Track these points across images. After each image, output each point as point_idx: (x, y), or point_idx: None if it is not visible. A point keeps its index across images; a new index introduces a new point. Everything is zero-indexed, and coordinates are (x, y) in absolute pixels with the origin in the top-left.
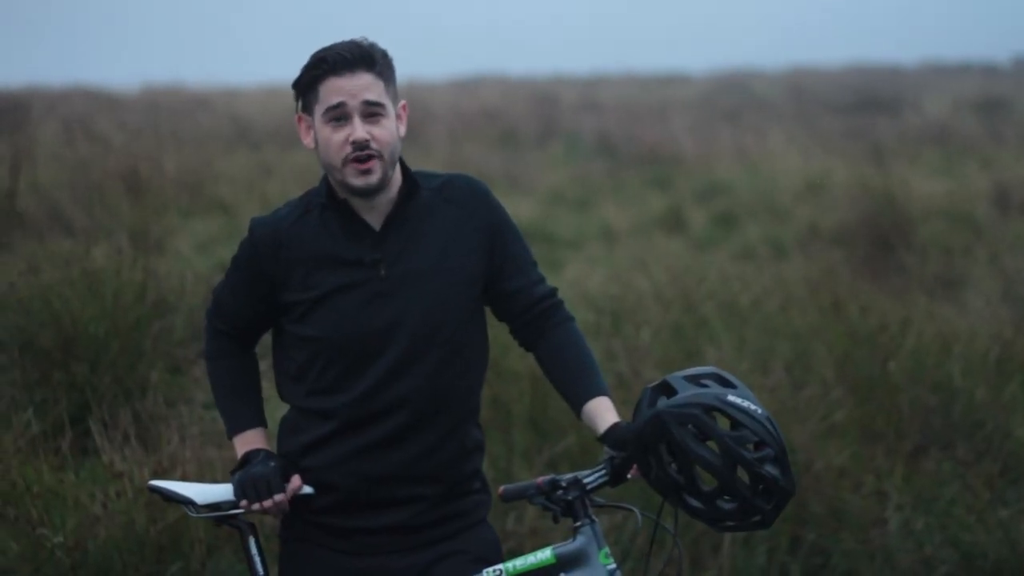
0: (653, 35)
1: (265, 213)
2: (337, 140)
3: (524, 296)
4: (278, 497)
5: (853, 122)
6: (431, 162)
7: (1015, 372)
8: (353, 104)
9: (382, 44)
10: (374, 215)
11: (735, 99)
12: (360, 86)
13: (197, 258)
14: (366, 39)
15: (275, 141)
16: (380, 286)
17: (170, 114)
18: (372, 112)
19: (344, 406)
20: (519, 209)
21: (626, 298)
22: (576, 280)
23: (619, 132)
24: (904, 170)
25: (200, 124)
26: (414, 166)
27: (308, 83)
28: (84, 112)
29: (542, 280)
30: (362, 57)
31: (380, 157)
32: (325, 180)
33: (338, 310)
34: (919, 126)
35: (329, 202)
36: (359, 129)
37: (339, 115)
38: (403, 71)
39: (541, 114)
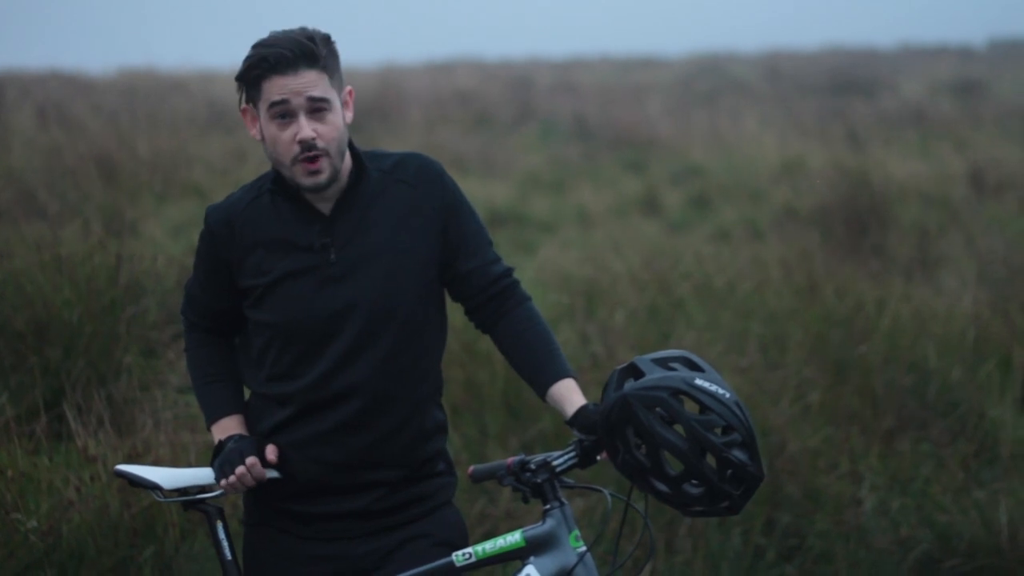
0: (629, 18)
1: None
2: (284, 138)
3: (479, 276)
4: (250, 460)
5: (829, 104)
6: (406, 145)
7: (990, 353)
8: (298, 102)
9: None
10: (324, 201)
11: (711, 82)
12: (304, 84)
13: (171, 242)
14: (306, 29)
15: None
16: (331, 270)
17: (145, 98)
18: (317, 108)
19: (300, 391)
20: (494, 192)
21: (601, 280)
22: (551, 263)
23: (595, 115)
24: (880, 152)
25: (175, 108)
26: (389, 149)
27: (252, 80)
28: (59, 96)
29: (497, 260)
30: (304, 54)
31: (327, 154)
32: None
33: (290, 295)
34: (895, 108)
35: (278, 188)
36: (305, 128)
37: (283, 112)
38: (378, 54)
39: (517, 97)
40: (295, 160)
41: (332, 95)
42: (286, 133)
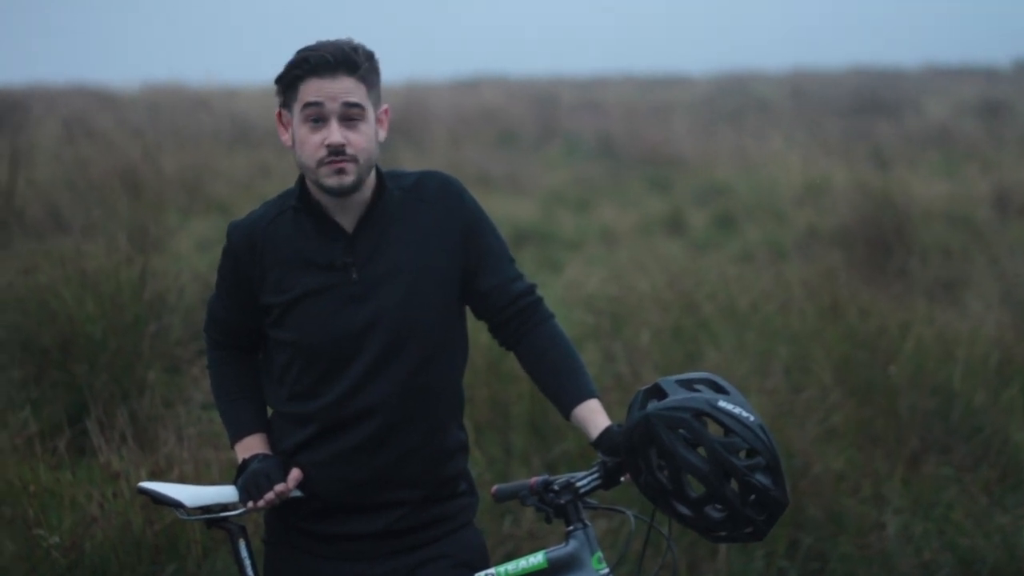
0: (654, 36)
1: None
2: (313, 141)
3: (501, 294)
4: (279, 487)
5: (854, 124)
6: (431, 163)
7: (1014, 376)
8: (332, 107)
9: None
10: (347, 217)
11: (735, 101)
12: (340, 90)
13: (196, 258)
14: (352, 41)
15: (274, 141)
16: (352, 289)
17: (170, 113)
18: (350, 116)
19: (321, 410)
20: (519, 210)
21: (626, 299)
22: (576, 281)
23: (619, 133)
24: (904, 173)
25: (200, 123)
26: (413, 167)
27: (288, 82)
28: (84, 111)
29: (520, 277)
30: (344, 60)
31: (355, 161)
32: (300, 181)
33: (311, 314)
34: (920, 129)
35: (301, 204)
36: (335, 133)
37: (316, 115)
38: (402, 71)
39: (541, 115)
40: (320, 163)
41: (367, 106)
42: (316, 136)
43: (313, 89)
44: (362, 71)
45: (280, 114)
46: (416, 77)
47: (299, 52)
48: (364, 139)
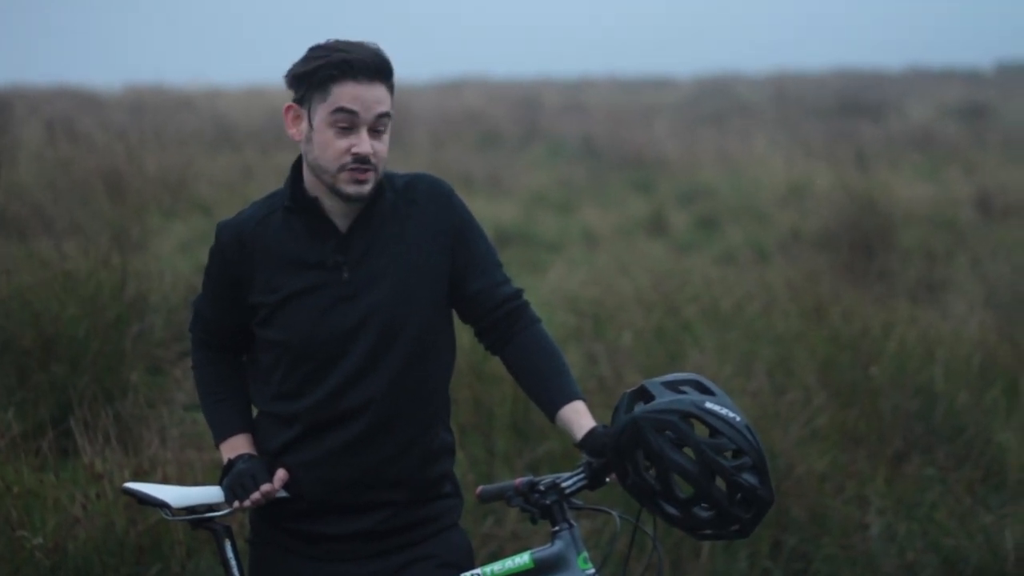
0: (638, 38)
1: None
2: (339, 147)
3: (487, 297)
4: (265, 487)
5: (837, 127)
6: (413, 164)
7: (997, 377)
8: (366, 116)
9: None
10: (342, 217)
11: (719, 103)
12: (376, 99)
13: (178, 258)
14: (377, 46)
15: (257, 142)
16: (343, 289)
17: (153, 114)
18: (378, 127)
19: (307, 410)
20: (501, 211)
21: (608, 301)
22: (558, 283)
23: (602, 135)
24: (887, 175)
25: (182, 124)
26: (396, 168)
27: (321, 80)
28: (67, 112)
29: (507, 281)
30: (383, 69)
31: (376, 171)
32: (290, 182)
33: (300, 314)
34: (903, 131)
35: (294, 204)
36: (366, 143)
37: (348, 123)
38: None
39: (524, 117)
40: (343, 168)
41: (392, 114)
42: (342, 142)
43: (349, 94)
44: (392, 80)
45: (291, 107)
46: (399, 78)
47: (328, 51)
48: (385, 149)
